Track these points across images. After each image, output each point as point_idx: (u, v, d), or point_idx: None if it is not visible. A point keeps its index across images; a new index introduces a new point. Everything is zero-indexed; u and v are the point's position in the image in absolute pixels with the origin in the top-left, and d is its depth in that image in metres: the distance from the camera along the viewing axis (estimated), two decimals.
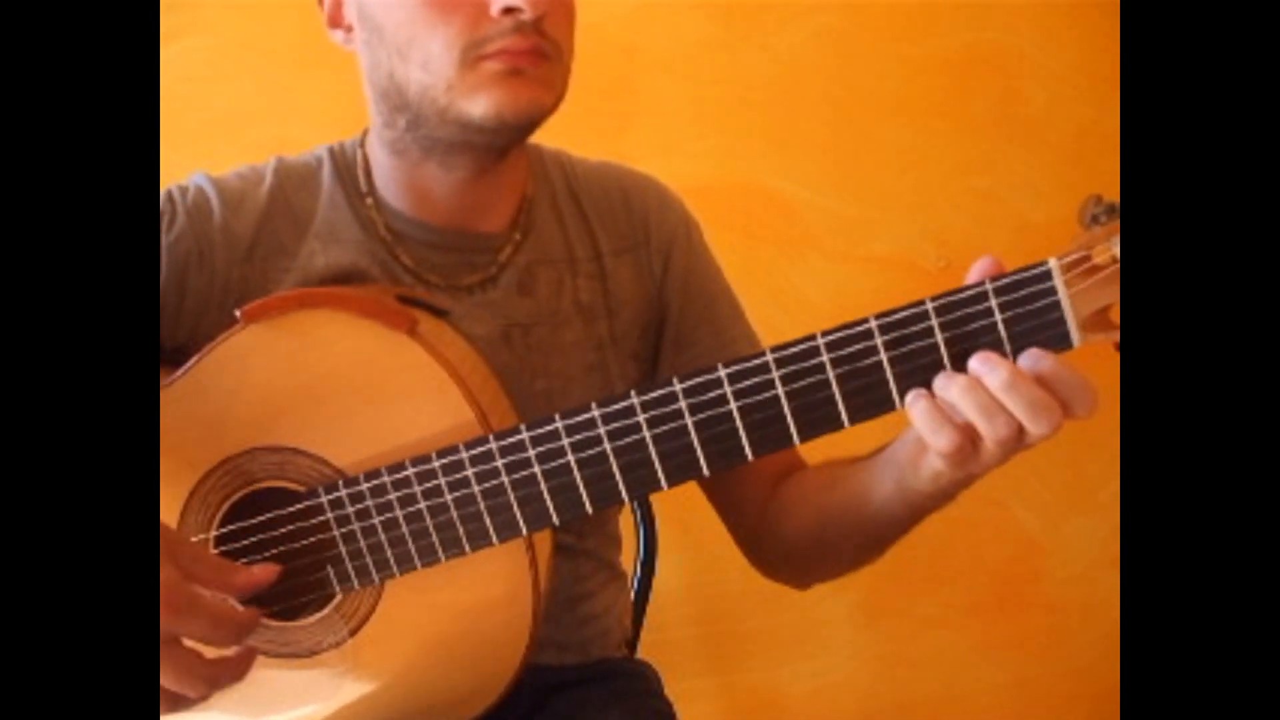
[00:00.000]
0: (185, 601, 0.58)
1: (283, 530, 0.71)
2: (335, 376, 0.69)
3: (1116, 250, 0.59)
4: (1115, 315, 0.61)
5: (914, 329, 0.61)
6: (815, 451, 0.75)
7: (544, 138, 0.84)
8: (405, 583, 0.71)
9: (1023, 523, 1.51)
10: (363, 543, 0.70)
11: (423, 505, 0.68)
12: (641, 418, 0.65)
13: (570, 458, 0.66)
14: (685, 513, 0.96)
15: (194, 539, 0.71)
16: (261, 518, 0.71)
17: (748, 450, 0.64)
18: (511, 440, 0.67)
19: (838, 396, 0.62)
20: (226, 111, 1.33)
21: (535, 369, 0.84)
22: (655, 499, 1.10)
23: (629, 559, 1.05)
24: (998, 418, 0.59)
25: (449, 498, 0.68)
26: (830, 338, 0.62)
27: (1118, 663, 0.60)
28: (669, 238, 0.90)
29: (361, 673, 0.72)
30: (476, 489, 0.67)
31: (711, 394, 0.64)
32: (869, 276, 1.44)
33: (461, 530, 0.68)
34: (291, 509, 0.70)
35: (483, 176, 0.82)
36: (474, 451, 0.67)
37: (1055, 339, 0.60)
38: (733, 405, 0.63)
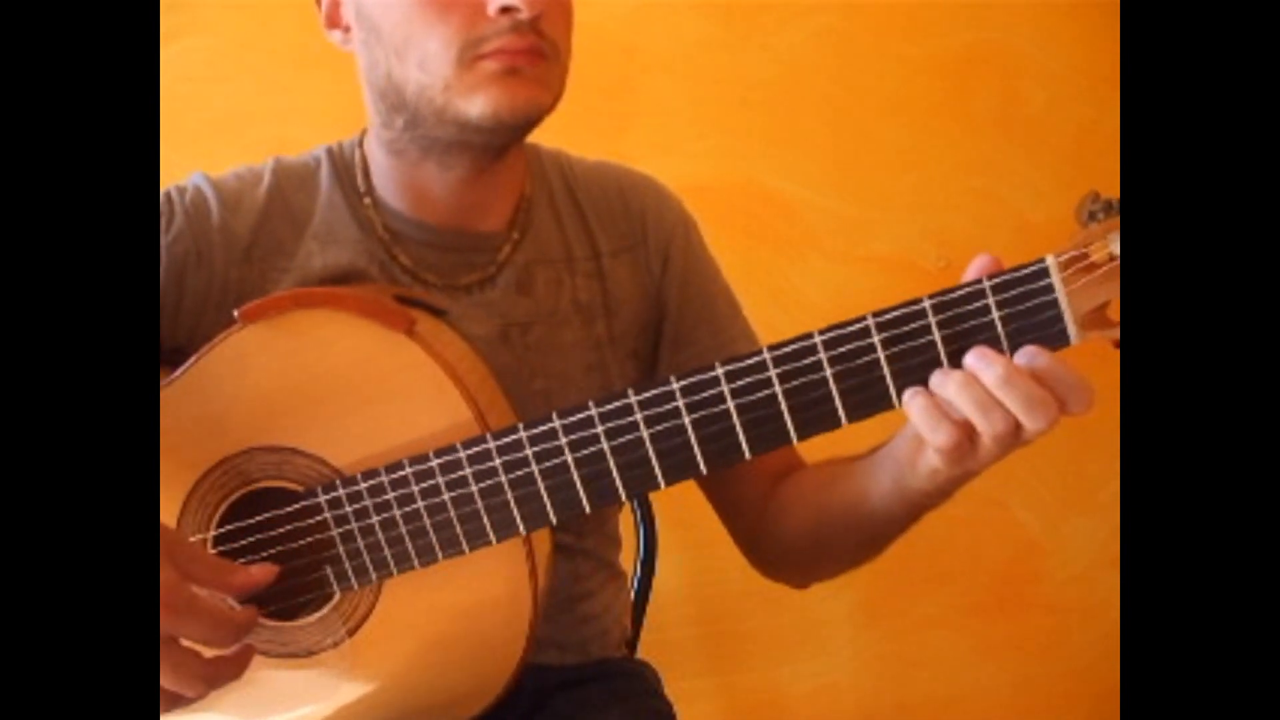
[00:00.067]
0: (183, 602, 0.58)
1: (281, 530, 0.71)
2: (333, 376, 0.69)
3: (1114, 247, 0.59)
4: (1113, 312, 0.61)
5: (911, 327, 0.61)
6: (815, 450, 0.75)
7: (543, 137, 0.84)
8: (403, 582, 0.71)
9: (1023, 523, 1.51)
10: (361, 542, 0.70)
11: (420, 505, 0.68)
12: (639, 416, 0.65)
13: (568, 457, 0.66)
14: (685, 513, 0.96)
15: (192, 539, 0.71)
16: (260, 518, 0.71)
17: (745, 449, 0.64)
18: (509, 440, 0.66)
19: (835, 395, 0.62)
20: (226, 111, 1.33)
21: (534, 369, 0.83)
22: (655, 499, 1.10)
23: (629, 559, 1.04)
24: (994, 413, 0.59)
25: (447, 497, 0.68)
26: (827, 336, 0.62)
27: (1118, 663, 0.60)
28: (667, 237, 0.90)
29: (360, 673, 0.72)
30: (474, 488, 0.67)
31: (709, 393, 0.64)
32: (869, 276, 1.44)
33: (459, 530, 0.68)
34: (289, 509, 0.70)
35: (481, 176, 0.82)
36: (471, 451, 0.67)
37: (1053, 336, 0.60)
38: (730, 404, 0.63)
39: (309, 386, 0.69)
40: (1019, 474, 1.50)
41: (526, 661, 0.72)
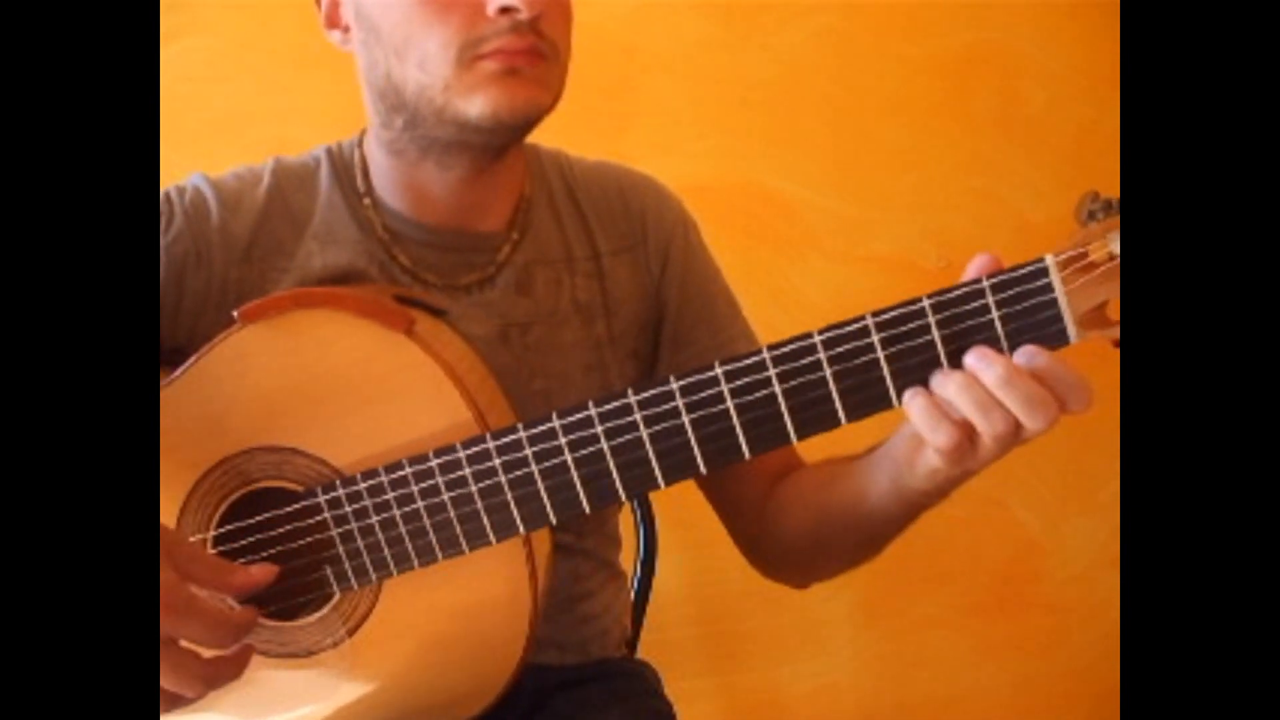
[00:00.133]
0: (183, 603, 0.58)
1: (281, 530, 0.71)
2: (333, 376, 0.69)
3: (1113, 246, 0.59)
4: (1112, 312, 0.61)
5: (910, 326, 0.61)
6: (814, 450, 0.75)
7: (543, 137, 0.84)
8: (403, 582, 0.71)
9: (1023, 523, 1.51)
10: (360, 542, 0.70)
11: (420, 505, 0.68)
12: (638, 416, 0.65)
13: (567, 457, 0.66)
14: (685, 513, 0.96)
15: (192, 539, 0.71)
16: (259, 518, 0.71)
17: (745, 448, 0.64)
18: (508, 439, 0.66)
19: (834, 394, 0.62)
20: (226, 111, 1.33)
21: (533, 369, 0.83)
22: (655, 499, 1.10)
23: (629, 559, 1.04)
24: (994, 413, 0.59)
25: (446, 497, 0.68)
26: (826, 336, 0.62)
27: (1118, 663, 0.60)
28: (667, 237, 0.90)
29: (360, 673, 0.72)
30: (474, 488, 0.67)
31: (708, 392, 0.64)
32: (869, 276, 1.44)
33: (459, 530, 0.68)
34: (289, 509, 0.70)
35: (480, 176, 0.82)
36: (471, 451, 0.67)
37: (1052, 336, 0.60)
38: (729, 403, 0.63)
39: (308, 386, 0.69)
40: (1019, 474, 1.50)
41: (526, 661, 0.72)
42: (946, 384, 0.60)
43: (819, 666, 1.50)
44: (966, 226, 1.45)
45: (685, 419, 0.64)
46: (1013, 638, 1.53)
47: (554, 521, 0.68)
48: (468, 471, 0.67)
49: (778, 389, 0.63)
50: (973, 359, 0.60)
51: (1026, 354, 0.59)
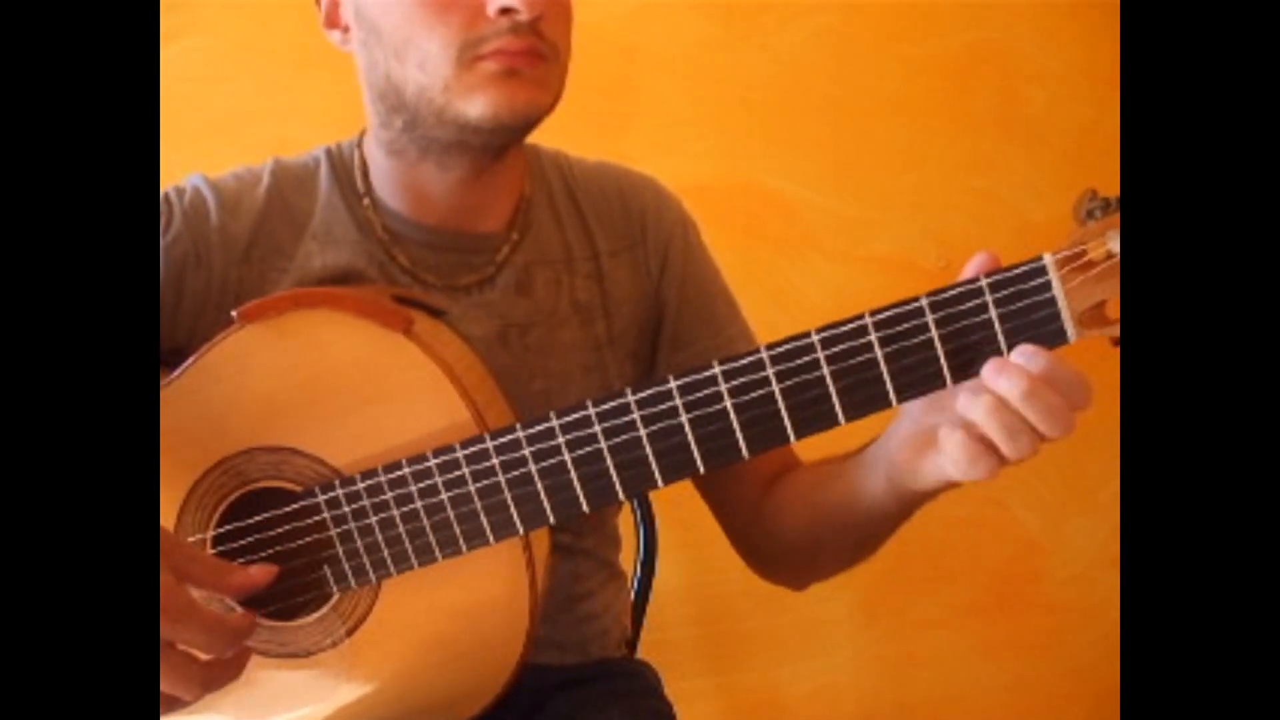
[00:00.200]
0: (180, 608, 0.58)
1: (279, 530, 0.71)
2: (332, 376, 0.69)
3: (1112, 245, 0.59)
4: (1110, 310, 0.61)
5: (908, 325, 0.61)
6: (813, 449, 0.74)
7: (543, 138, 0.84)
8: (402, 582, 0.71)
9: (1023, 523, 1.51)
10: (359, 542, 0.70)
11: (419, 505, 0.68)
12: (637, 416, 0.65)
13: (566, 456, 0.66)
14: (685, 513, 0.96)
15: (191, 539, 0.71)
16: (258, 518, 0.71)
17: (743, 448, 0.64)
18: (507, 439, 0.66)
19: (833, 394, 0.62)
20: (226, 111, 1.33)
21: (533, 369, 0.83)
22: (655, 499, 1.10)
23: (629, 559, 1.04)
24: (1022, 437, 0.59)
25: (445, 497, 0.68)
26: (824, 335, 0.62)
27: (1118, 663, 0.60)
28: (666, 237, 0.90)
29: (359, 673, 0.72)
30: (473, 488, 0.67)
31: (706, 392, 0.64)
32: (869, 276, 1.44)
33: (458, 529, 0.68)
34: (288, 509, 0.70)
35: (480, 177, 0.82)
36: (470, 451, 0.67)
37: (1050, 334, 0.60)
38: (728, 403, 0.63)
39: (307, 386, 0.69)
40: (1019, 474, 1.48)
41: (526, 661, 0.72)
42: (974, 408, 0.60)
43: (819, 666, 1.50)
44: (966, 226, 1.45)
45: (684, 419, 0.64)
46: (1012, 638, 1.53)
47: (553, 521, 0.67)
48: (466, 471, 0.67)
49: (776, 388, 0.63)
50: (991, 374, 0.59)
51: (1025, 353, 0.59)
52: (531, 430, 0.66)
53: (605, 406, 0.65)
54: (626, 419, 0.65)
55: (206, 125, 1.32)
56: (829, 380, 0.62)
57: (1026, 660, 1.53)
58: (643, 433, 0.65)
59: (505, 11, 0.73)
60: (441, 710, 0.73)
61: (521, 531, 0.68)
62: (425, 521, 0.68)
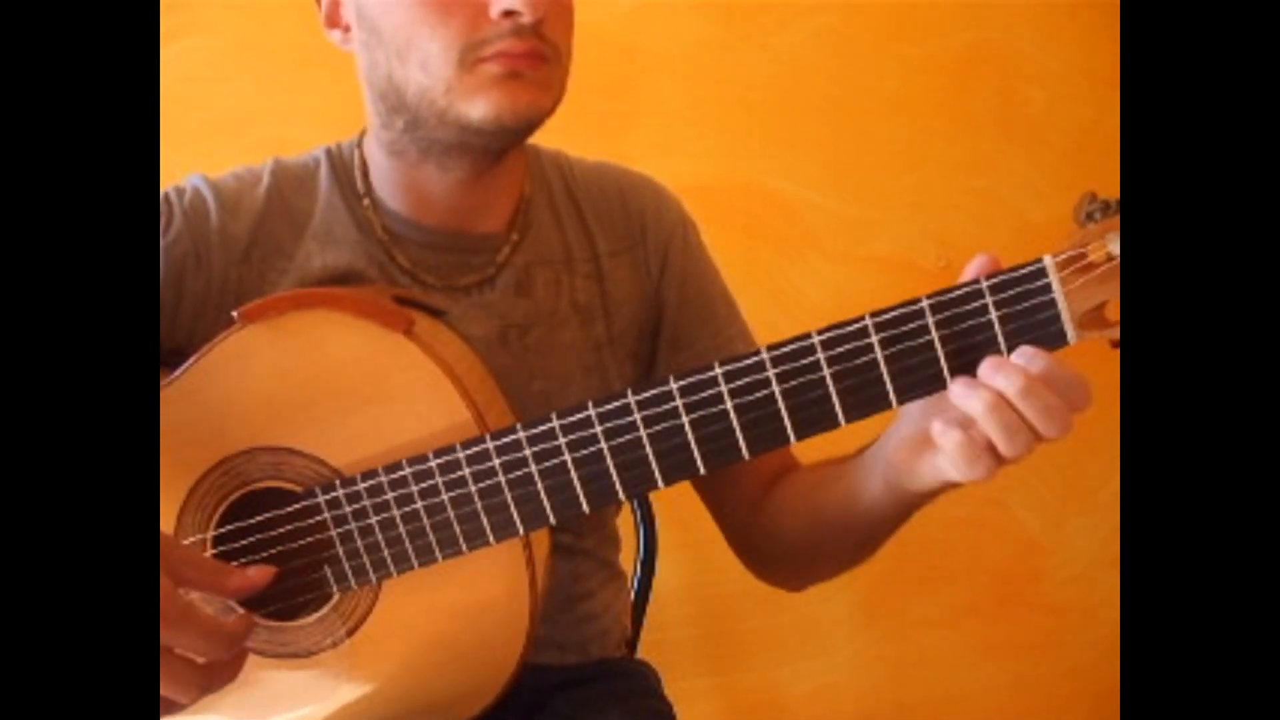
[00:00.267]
0: (178, 613, 0.58)
1: (280, 531, 0.71)
2: (332, 377, 0.69)
3: (1112, 247, 0.59)
4: (1110, 312, 0.61)
5: (909, 327, 0.61)
6: (813, 450, 0.74)
7: (543, 137, 0.83)
8: (403, 583, 0.71)
9: (1023, 523, 1.51)
10: (360, 543, 0.70)
11: (419, 505, 0.68)
12: (637, 416, 0.65)
13: (566, 457, 0.66)
14: (685, 513, 0.96)
15: (191, 539, 0.71)
16: (259, 518, 0.71)
17: (744, 449, 0.64)
18: (508, 440, 0.66)
19: (833, 395, 0.62)
20: (226, 111, 1.33)
21: (533, 370, 0.83)
22: (655, 499, 1.10)
23: (629, 559, 1.04)
24: (1019, 436, 0.59)
25: (445, 497, 0.68)
26: (825, 336, 0.62)
27: (1118, 663, 0.60)
28: (666, 238, 0.90)
29: (359, 673, 0.72)
30: (473, 489, 0.67)
31: (707, 393, 0.64)
32: (869, 276, 1.44)
33: (458, 530, 0.68)
34: (288, 509, 0.70)
35: (480, 178, 0.82)
36: (470, 451, 0.67)
37: (1051, 336, 0.60)
38: (728, 404, 0.63)
39: (308, 387, 0.69)
40: (1019, 474, 1.48)
41: (526, 661, 0.72)
42: (970, 400, 0.60)
43: (819, 666, 1.50)
44: (966, 226, 1.45)
45: (684, 419, 0.64)
46: (1013, 638, 1.53)
47: (553, 522, 0.67)
48: (467, 472, 0.67)
49: (776, 389, 0.63)
50: (989, 370, 0.59)
51: (1025, 355, 0.59)
52: (532, 431, 0.66)
53: (606, 407, 0.65)
54: (627, 419, 0.65)
55: (206, 125, 1.32)
56: (830, 381, 0.62)
57: (1026, 660, 1.53)
58: (643, 433, 0.65)
59: (508, 14, 0.72)
60: (442, 710, 0.73)
61: (522, 532, 0.68)
62: (426, 522, 0.68)
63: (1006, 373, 0.59)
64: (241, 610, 0.70)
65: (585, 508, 0.67)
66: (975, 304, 0.60)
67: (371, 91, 0.81)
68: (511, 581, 0.70)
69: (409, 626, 0.71)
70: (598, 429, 0.65)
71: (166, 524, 0.71)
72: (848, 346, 0.62)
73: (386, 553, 0.69)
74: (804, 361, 0.62)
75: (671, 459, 0.65)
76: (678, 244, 0.90)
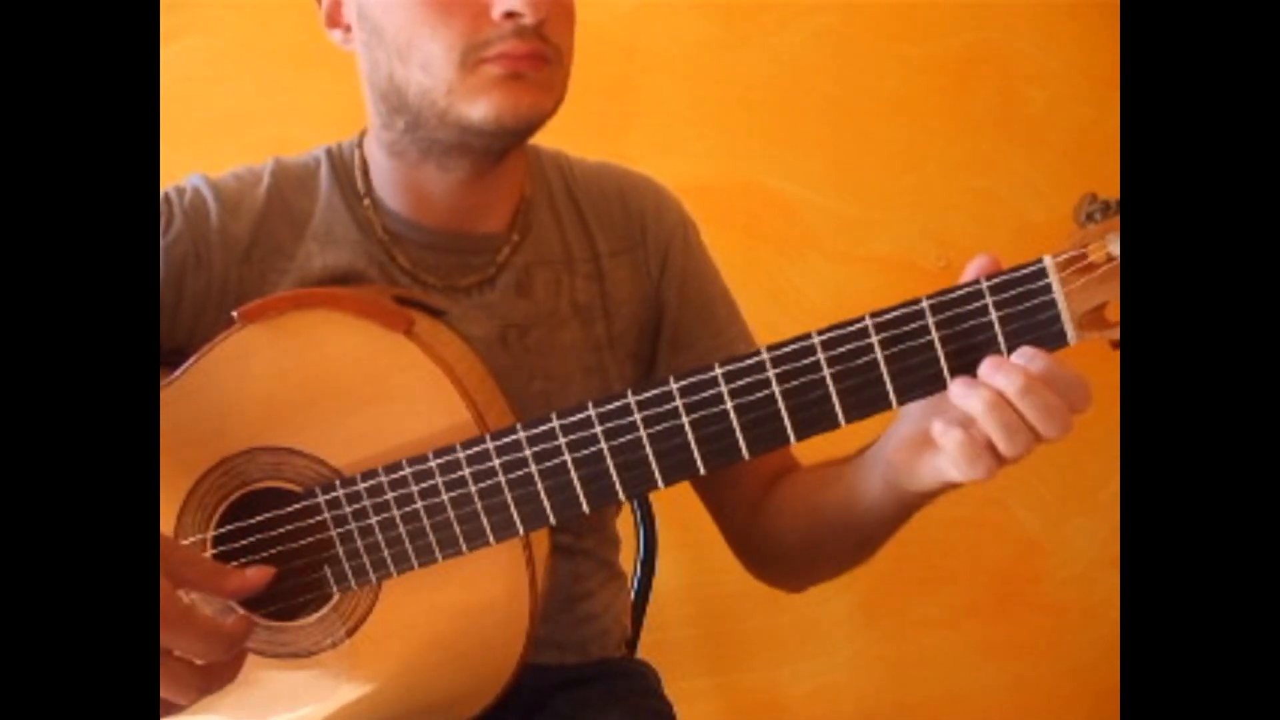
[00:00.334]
0: (177, 615, 0.58)
1: (280, 531, 0.71)
2: (332, 377, 0.69)
3: (1112, 248, 0.59)
4: (1110, 313, 0.61)
5: (909, 327, 0.61)
6: (815, 451, 0.74)
7: (543, 138, 0.83)
8: (403, 583, 0.71)
9: (1023, 523, 1.51)
10: (360, 543, 0.70)
11: (419, 505, 0.68)
12: (638, 417, 0.65)
13: (567, 457, 0.66)
14: (685, 513, 0.97)
15: (191, 539, 0.71)
16: (259, 518, 0.71)
17: (744, 449, 0.64)
18: (508, 440, 0.66)
19: (833, 395, 0.62)
20: (226, 111, 1.33)
21: (533, 370, 0.83)
22: (655, 499, 1.10)
23: (629, 559, 1.04)
24: (1019, 435, 0.59)
25: (445, 498, 0.68)
26: (825, 336, 0.62)
27: (1118, 663, 0.60)
28: (666, 239, 0.90)
29: (359, 673, 0.72)
30: (473, 489, 0.67)
31: (707, 393, 0.64)
32: (869, 276, 1.44)
33: (458, 530, 0.68)
34: (289, 509, 0.70)
35: (481, 178, 0.82)
36: (470, 451, 0.67)
37: (1051, 337, 0.60)
38: (729, 404, 0.63)
39: (308, 387, 0.69)
40: (1019, 474, 1.48)
41: (526, 661, 0.72)
42: (970, 399, 0.60)
43: (819, 666, 1.50)
44: (966, 226, 1.45)
45: (684, 419, 0.64)
46: (1013, 638, 1.53)
47: (553, 522, 0.67)
48: (467, 472, 0.67)
49: (777, 390, 0.63)
50: (989, 370, 0.59)
51: (1025, 355, 0.59)
52: (532, 431, 0.66)
53: (607, 407, 0.65)
54: (628, 420, 0.65)
55: (206, 125, 1.32)
56: (830, 382, 0.62)
57: (1026, 660, 1.53)
58: (644, 434, 0.65)
59: (510, 15, 0.72)
60: (442, 710, 0.73)
61: (522, 532, 0.68)
62: (426, 522, 0.68)
63: (1006, 372, 0.59)
64: (241, 611, 0.70)
65: (585, 508, 0.67)
66: (975, 304, 0.61)
67: (372, 92, 0.81)
68: (511, 582, 0.70)
69: (409, 627, 0.71)
70: (598, 429, 0.65)
71: (166, 524, 0.71)
72: (848, 347, 0.62)
73: (386, 553, 0.69)
74: (804, 362, 0.62)
75: (671, 459, 0.65)
76: (678, 244, 0.90)
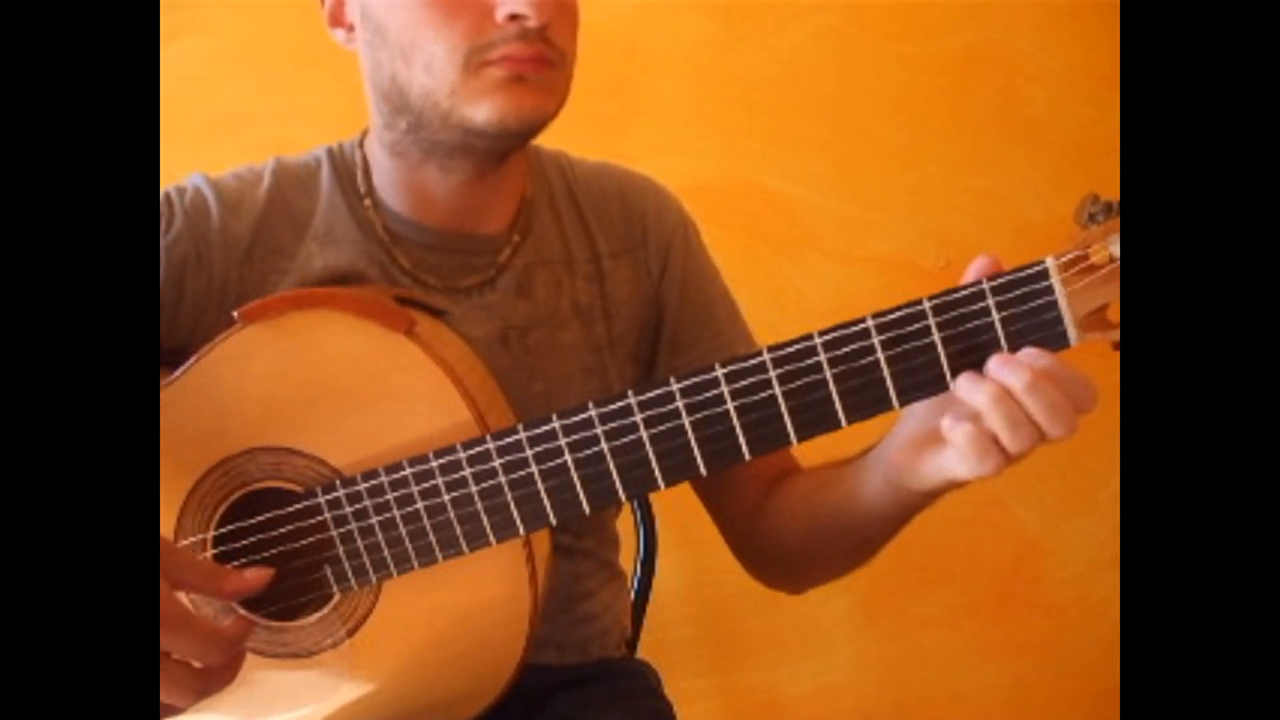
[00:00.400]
0: (175, 618, 0.58)
1: (280, 531, 0.71)
2: (333, 377, 0.69)
3: (1114, 249, 0.59)
4: (1112, 314, 0.61)
5: (911, 328, 0.61)
6: (816, 451, 0.75)
7: (544, 138, 0.83)
8: (403, 583, 0.71)
9: (1023, 523, 1.51)
10: (360, 543, 0.70)
11: (420, 505, 0.68)
12: (639, 417, 0.65)
13: (567, 457, 0.66)
14: (685, 513, 0.97)
15: (191, 540, 0.71)
16: (259, 518, 0.71)
17: (745, 450, 0.64)
18: (509, 440, 0.66)
19: (835, 396, 0.62)
20: (226, 111, 1.33)
21: (533, 371, 0.83)
22: (655, 499, 1.10)
23: (629, 559, 1.04)
24: (1023, 429, 0.59)
25: (446, 498, 0.68)
26: (827, 337, 0.62)
27: (1118, 663, 0.60)
28: (667, 239, 0.90)
29: (359, 673, 0.72)
30: (474, 489, 0.67)
31: (708, 394, 0.64)
32: (869, 276, 1.44)
33: (459, 530, 0.68)
34: (289, 509, 0.70)
35: (482, 179, 0.82)
36: (471, 452, 0.67)
37: (1052, 338, 0.60)
38: (730, 405, 0.63)
39: (308, 387, 0.69)
40: (1019, 474, 1.48)
41: (526, 661, 0.72)
42: (976, 393, 0.60)
43: (819, 666, 1.50)
44: (966, 226, 1.45)
45: (686, 420, 0.64)
46: (1013, 638, 1.53)
47: (554, 522, 0.67)
48: (468, 472, 0.67)
49: (778, 390, 0.63)
50: (996, 365, 0.59)
51: (1031, 355, 0.59)
52: (533, 431, 0.66)
53: (608, 408, 0.65)
54: (629, 420, 0.65)
55: (206, 125, 1.32)
56: (831, 383, 0.62)
57: (1026, 660, 1.53)
58: (644, 434, 0.65)
59: (514, 17, 0.72)
60: (442, 710, 0.73)
61: (523, 532, 0.68)
62: (426, 522, 0.68)
63: (1014, 368, 0.59)
64: (241, 611, 0.70)
65: (586, 508, 0.67)
66: (977, 305, 0.61)
67: (375, 92, 0.80)
68: (512, 582, 0.70)
69: (409, 627, 0.71)
70: (599, 429, 0.65)
71: (167, 524, 0.71)
72: (850, 348, 0.62)
73: (387, 553, 0.69)
74: (806, 362, 0.62)
75: (673, 460, 0.65)
76: (679, 245, 0.90)
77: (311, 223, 0.83)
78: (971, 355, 0.61)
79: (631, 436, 0.65)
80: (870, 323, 0.61)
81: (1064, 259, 0.60)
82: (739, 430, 0.64)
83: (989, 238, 1.44)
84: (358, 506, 0.69)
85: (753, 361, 0.63)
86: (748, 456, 0.64)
